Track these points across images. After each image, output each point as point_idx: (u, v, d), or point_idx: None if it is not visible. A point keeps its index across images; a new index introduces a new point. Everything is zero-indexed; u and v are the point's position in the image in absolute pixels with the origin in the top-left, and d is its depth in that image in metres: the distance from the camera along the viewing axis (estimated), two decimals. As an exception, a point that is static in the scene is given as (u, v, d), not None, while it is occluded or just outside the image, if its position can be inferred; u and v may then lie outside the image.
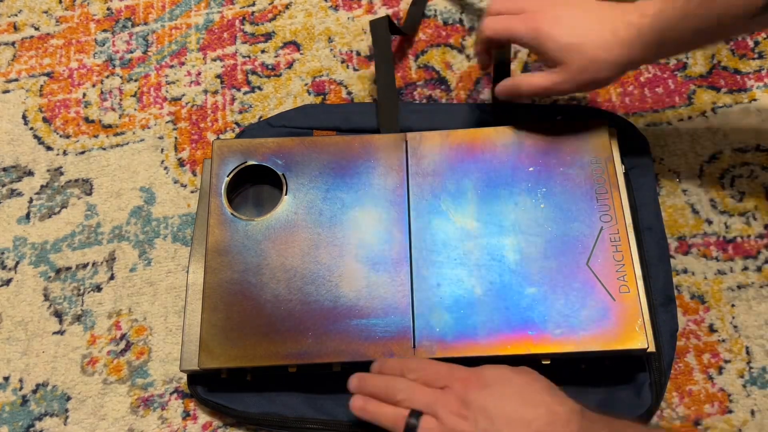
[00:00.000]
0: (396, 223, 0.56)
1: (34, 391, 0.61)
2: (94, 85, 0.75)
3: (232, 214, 0.57)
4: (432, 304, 0.53)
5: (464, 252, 0.54)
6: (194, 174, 0.69)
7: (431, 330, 0.52)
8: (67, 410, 0.60)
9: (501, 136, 0.59)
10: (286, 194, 0.58)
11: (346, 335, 0.52)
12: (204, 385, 0.57)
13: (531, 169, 0.57)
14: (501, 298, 0.52)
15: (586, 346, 0.50)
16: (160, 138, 0.71)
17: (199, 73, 0.74)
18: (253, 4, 0.77)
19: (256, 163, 0.59)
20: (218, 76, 0.73)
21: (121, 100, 0.74)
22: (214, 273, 0.55)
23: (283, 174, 0.59)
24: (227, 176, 0.59)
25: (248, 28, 0.76)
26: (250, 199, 0.61)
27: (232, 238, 0.57)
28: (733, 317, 0.57)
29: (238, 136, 0.68)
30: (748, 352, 0.56)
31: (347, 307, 0.53)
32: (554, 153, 0.57)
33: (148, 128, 0.72)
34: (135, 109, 0.73)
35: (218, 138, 0.69)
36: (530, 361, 0.52)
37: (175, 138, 0.71)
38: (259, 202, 0.61)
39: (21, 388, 0.61)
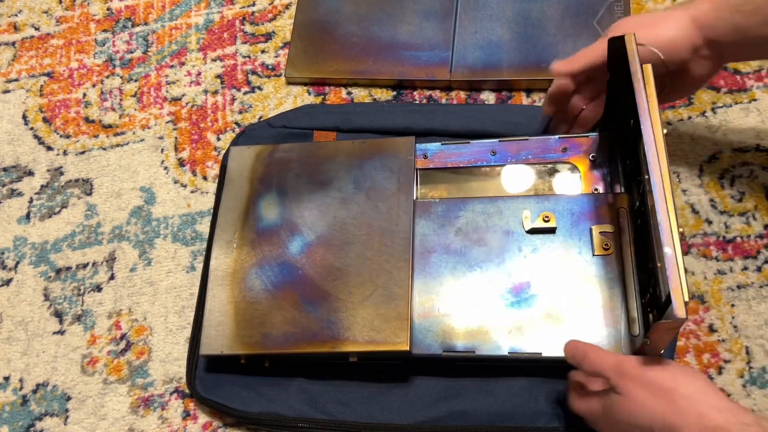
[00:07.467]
0: None
1: (35, 391, 0.61)
2: (94, 85, 0.75)
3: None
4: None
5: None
6: (194, 174, 0.69)
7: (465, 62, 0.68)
8: (67, 410, 0.60)
9: None
10: None
11: (398, 60, 0.68)
12: (204, 385, 0.57)
13: None
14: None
15: None
16: (160, 138, 0.71)
17: (199, 73, 0.74)
18: (253, 4, 0.77)
19: None
20: (218, 76, 0.73)
21: (121, 100, 0.74)
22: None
23: None
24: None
25: (248, 28, 0.76)
26: (274, 186, 0.61)
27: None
28: (733, 317, 0.57)
29: (238, 136, 0.68)
30: (747, 352, 0.56)
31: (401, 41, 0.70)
32: None
33: (148, 128, 0.72)
34: (135, 109, 0.73)
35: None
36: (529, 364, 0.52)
37: (175, 138, 0.71)
38: (282, 190, 0.60)
39: (21, 388, 0.61)
